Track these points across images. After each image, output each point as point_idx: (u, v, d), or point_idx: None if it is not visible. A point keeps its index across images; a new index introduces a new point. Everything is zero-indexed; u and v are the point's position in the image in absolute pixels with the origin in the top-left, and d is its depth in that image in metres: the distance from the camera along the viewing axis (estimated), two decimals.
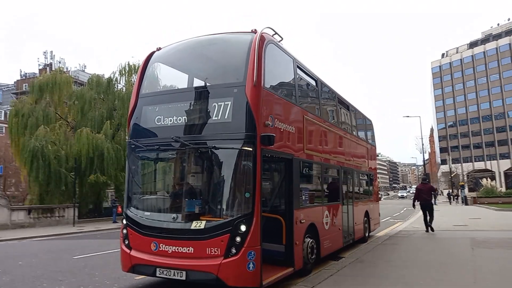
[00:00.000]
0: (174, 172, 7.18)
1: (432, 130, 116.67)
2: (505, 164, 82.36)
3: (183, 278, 5.86)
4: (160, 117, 6.76)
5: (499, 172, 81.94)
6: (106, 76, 29.93)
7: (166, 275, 6.03)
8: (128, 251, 6.53)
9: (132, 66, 28.32)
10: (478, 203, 36.44)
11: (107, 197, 30.02)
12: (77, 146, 24.54)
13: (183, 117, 6.57)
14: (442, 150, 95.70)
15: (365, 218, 12.63)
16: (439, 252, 9.84)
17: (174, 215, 6.36)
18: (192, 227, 5.93)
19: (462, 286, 6.52)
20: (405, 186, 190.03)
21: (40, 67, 68.70)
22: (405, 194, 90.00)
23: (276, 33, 7.11)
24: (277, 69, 7.39)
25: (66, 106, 28.51)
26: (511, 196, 36.77)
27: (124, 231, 6.67)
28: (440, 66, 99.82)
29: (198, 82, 7.45)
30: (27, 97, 28.65)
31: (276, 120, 6.57)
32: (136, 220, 6.56)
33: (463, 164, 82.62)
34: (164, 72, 7.72)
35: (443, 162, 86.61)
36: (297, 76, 8.10)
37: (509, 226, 15.61)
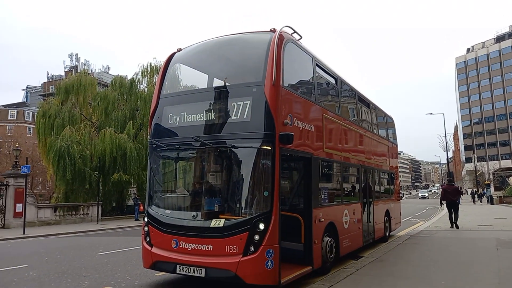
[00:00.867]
0: (194, 171, 7.28)
1: (456, 127, 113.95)
2: None
3: (202, 275, 5.95)
4: (180, 117, 6.87)
5: None
6: (129, 77, 30.55)
7: (186, 272, 6.13)
8: (149, 248, 6.66)
9: (154, 67, 28.80)
10: (504, 203, 35.43)
11: (130, 195, 30.60)
12: (101, 145, 25.11)
13: (203, 117, 6.65)
14: (467, 148, 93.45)
15: (386, 217, 12.47)
16: (462, 252, 9.65)
17: (194, 213, 6.45)
18: (212, 225, 6.01)
19: (486, 287, 6.38)
20: (428, 185, 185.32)
21: (66, 70, 70.66)
22: (426, 194, 76.98)
23: (295, 31, 7.10)
24: (296, 67, 7.39)
25: (91, 107, 29.22)
26: None
27: (146, 228, 6.81)
28: (465, 61, 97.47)
29: (217, 82, 7.51)
30: (54, 99, 29.52)
31: (295, 119, 6.58)
32: (157, 218, 6.69)
33: (489, 162, 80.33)
34: (184, 72, 7.82)
35: (468, 160, 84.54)
36: (316, 74, 8.08)
37: None
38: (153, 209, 6.89)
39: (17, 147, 24.16)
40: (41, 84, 78.24)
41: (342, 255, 8.43)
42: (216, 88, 7.10)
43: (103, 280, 7.72)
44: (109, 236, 16.95)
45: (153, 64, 28.96)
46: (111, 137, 25.02)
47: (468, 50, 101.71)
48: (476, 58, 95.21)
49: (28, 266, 9.39)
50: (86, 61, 73.91)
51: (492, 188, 49.77)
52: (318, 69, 8.12)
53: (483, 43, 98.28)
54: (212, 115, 6.62)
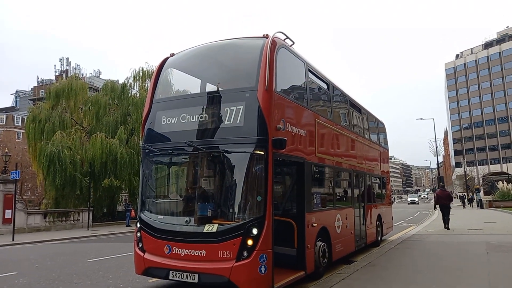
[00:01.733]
0: (187, 176, 7.27)
1: (446, 132, 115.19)
2: None
3: (195, 281, 5.92)
4: (173, 121, 6.86)
5: None
6: (121, 81, 30.41)
7: (178, 278, 6.10)
8: (141, 254, 6.62)
9: (146, 71, 28.76)
10: (494, 207, 35.81)
11: (121, 201, 30.38)
12: (91, 151, 24.95)
13: (196, 122, 6.66)
14: (457, 152, 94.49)
15: (378, 222, 12.55)
16: (453, 256, 9.73)
17: (187, 218, 6.44)
18: (205, 230, 6.00)
19: None
20: (419, 189, 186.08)
21: (57, 74, 70.04)
22: (416, 199, 69.92)
23: (287, 37, 7.16)
24: (288, 73, 7.44)
25: (82, 111, 29.02)
26: None
27: (138, 234, 6.77)
28: (454, 67, 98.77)
29: (210, 87, 7.52)
30: (44, 103, 29.20)
31: (287, 123, 6.61)
32: (149, 223, 6.66)
33: (479, 167, 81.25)
34: (177, 77, 7.83)
35: (458, 165, 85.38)
36: (309, 79, 8.14)
37: None
38: (145, 214, 6.85)
39: (6, 152, 23.89)
40: (31, 88, 77.41)
41: (335, 260, 8.46)
42: (209, 93, 7.12)
43: (95, 286, 7.66)
44: (100, 242, 16.80)
45: (145, 69, 28.97)
46: (101, 142, 24.85)
47: (457, 56, 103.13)
48: (465, 64, 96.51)
49: (18, 273, 9.27)
50: (77, 65, 73.22)
51: (481, 193, 50.30)
52: (310, 75, 8.19)
53: (472, 49, 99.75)
54: (205, 120, 6.63)
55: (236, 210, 6.12)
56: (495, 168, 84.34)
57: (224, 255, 5.76)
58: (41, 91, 64.47)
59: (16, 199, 19.82)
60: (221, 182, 6.62)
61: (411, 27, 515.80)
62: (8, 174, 20.47)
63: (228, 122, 6.26)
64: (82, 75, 63.04)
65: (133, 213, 24.49)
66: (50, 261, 11.21)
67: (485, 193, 57.17)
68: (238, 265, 5.63)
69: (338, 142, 9.48)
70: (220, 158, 6.47)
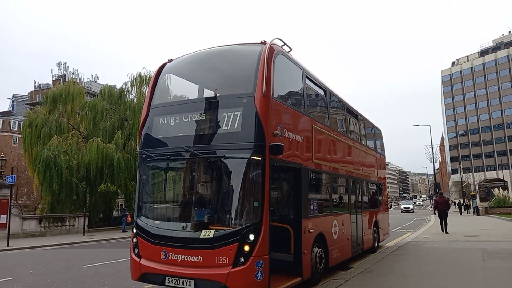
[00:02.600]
0: (184, 182, 7.25)
1: (442, 139, 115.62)
2: None
3: (192, 287, 5.88)
4: (171, 127, 6.87)
5: None
6: (118, 86, 30.41)
7: (175, 284, 6.06)
8: (137, 259, 6.59)
9: (143, 76, 28.77)
10: (490, 213, 35.91)
11: (117, 206, 30.24)
12: (88, 155, 24.88)
13: (194, 127, 6.67)
14: (453, 159, 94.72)
15: (374, 228, 12.55)
16: (449, 263, 9.74)
17: (184, 224, 6.41)
18: (201, 236, 5.98)
19: None
20: (415, 195, 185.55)
21: (54, 78, 70.02)
22: (410, 206, 62.07)
23: (285, 43, 7.20)
24: (286, 79, 7.47)
25: (79, 116, 28.98)
26: None
27: (134, 239, 6.73)
28: (450, 74, 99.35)
29: (208, 93, 7.55)
30: (41, 108, 29.18)
31: (285, 129, 6.63)
32: (146, 229, 6.63)
33: (475, 173, 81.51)
34: (175, 83, 7.85)
35: (454, 171, 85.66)
36: (306, 85, 8.18)
37: None
38: (142, 220, 6.83)
39: (2, 156, 23.73)
40: (28, 93, 77.29)
41: (332, 266, 8.44)
42: (206, 98, 7.13)
43: None
44: (96, 248, 16.70)
45: (142, 74, 28.97)
46: (98, 147, 24.80)
47: (453, 63, 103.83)
48: (461, 71, 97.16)
49: (13, 278, 9.21)
50: (75, 70, 73.43)
51: (478, 199, 50.42)
52: (307, 81, 8.23)
53: (468, 56, 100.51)
54: (203, 126, 6.64)
55: (233, 215, 6.10)
56: (491, 174, 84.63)
57: (221, 261, 5.74)
58: (38, 95, 64.34)
59: (12, 204, 19.67)
60: (218, 188, 6.62)
61: (407, 38, 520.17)
62: (4, 178, 20.34)
63: (226, 128, 6.27)
64: (80, 80, 63.11)
65: (129, 218, 24.39)
66: (45, 267, 11.13)
67: (481, 200, 57.26)
68: (234, 271, 5.61)
69: (335, 148, 9.51)
70: (217, 163, 6.48)
